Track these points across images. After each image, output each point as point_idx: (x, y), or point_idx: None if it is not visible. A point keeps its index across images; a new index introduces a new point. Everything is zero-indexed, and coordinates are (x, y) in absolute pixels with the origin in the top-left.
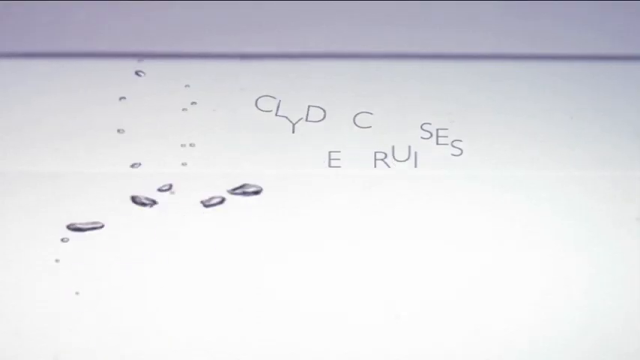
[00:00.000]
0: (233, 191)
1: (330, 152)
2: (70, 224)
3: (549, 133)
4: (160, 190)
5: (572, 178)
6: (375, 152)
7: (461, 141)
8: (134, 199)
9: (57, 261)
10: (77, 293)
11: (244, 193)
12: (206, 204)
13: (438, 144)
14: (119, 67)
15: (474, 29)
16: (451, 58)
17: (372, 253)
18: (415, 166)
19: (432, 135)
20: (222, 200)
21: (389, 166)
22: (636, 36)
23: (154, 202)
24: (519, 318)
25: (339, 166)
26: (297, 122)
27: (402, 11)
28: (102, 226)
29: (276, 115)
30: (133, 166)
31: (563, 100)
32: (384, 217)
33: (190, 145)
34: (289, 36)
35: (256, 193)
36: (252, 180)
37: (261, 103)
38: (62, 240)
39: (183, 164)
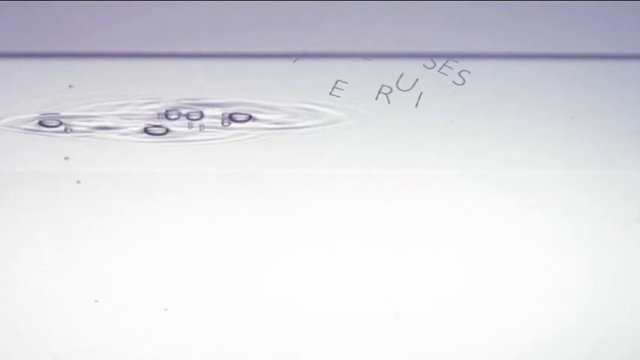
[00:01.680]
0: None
1: (337, 81)
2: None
3: (549, 133)
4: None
5: (572, 178)
6: (382, 85)
7: (469, 72)
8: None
9: (58, 260)
10: (77, 293)
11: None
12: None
13: (439, 71)
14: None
15: (474, 29)
16: (451, 58)
17: (370, 253)
18: (418, 98)
19: (434, 65)
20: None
21: (389, 102)
22: (636, 36)
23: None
24: (519, 318)
25: (339, 96)
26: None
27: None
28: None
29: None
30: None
31: (564, 99)
32: (383, 216)
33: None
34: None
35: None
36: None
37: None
38: (62, 240)
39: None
